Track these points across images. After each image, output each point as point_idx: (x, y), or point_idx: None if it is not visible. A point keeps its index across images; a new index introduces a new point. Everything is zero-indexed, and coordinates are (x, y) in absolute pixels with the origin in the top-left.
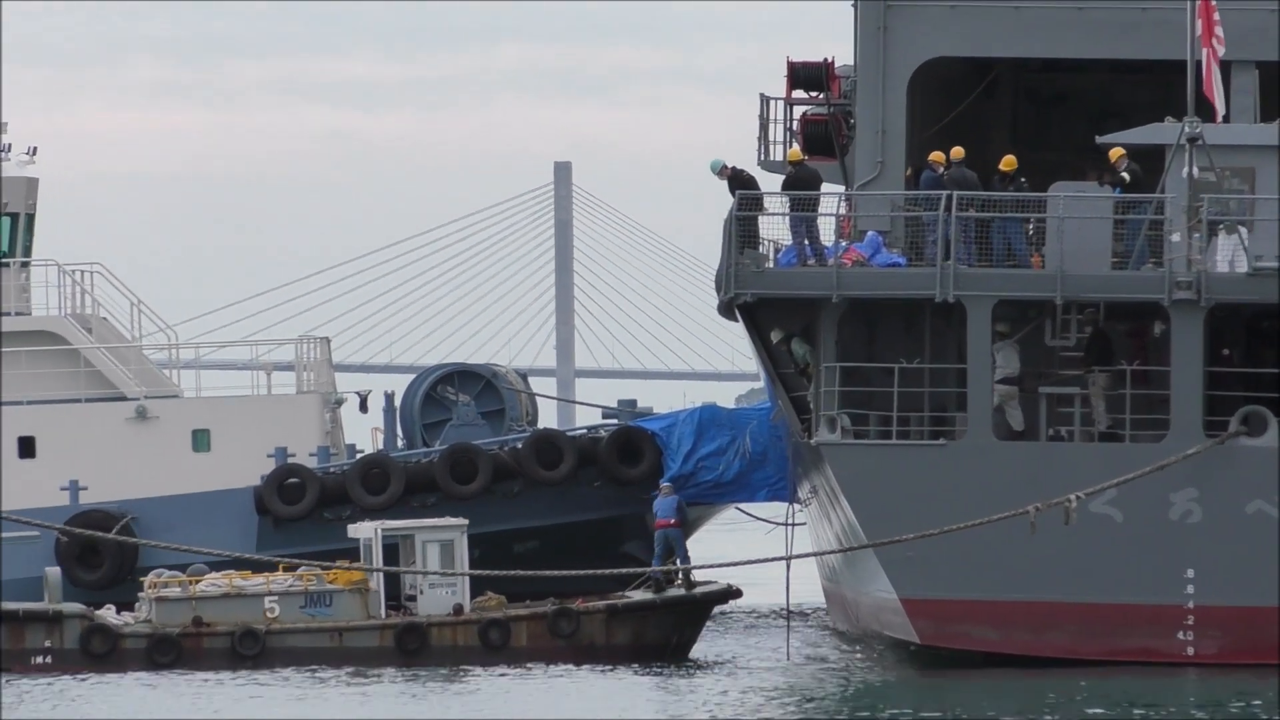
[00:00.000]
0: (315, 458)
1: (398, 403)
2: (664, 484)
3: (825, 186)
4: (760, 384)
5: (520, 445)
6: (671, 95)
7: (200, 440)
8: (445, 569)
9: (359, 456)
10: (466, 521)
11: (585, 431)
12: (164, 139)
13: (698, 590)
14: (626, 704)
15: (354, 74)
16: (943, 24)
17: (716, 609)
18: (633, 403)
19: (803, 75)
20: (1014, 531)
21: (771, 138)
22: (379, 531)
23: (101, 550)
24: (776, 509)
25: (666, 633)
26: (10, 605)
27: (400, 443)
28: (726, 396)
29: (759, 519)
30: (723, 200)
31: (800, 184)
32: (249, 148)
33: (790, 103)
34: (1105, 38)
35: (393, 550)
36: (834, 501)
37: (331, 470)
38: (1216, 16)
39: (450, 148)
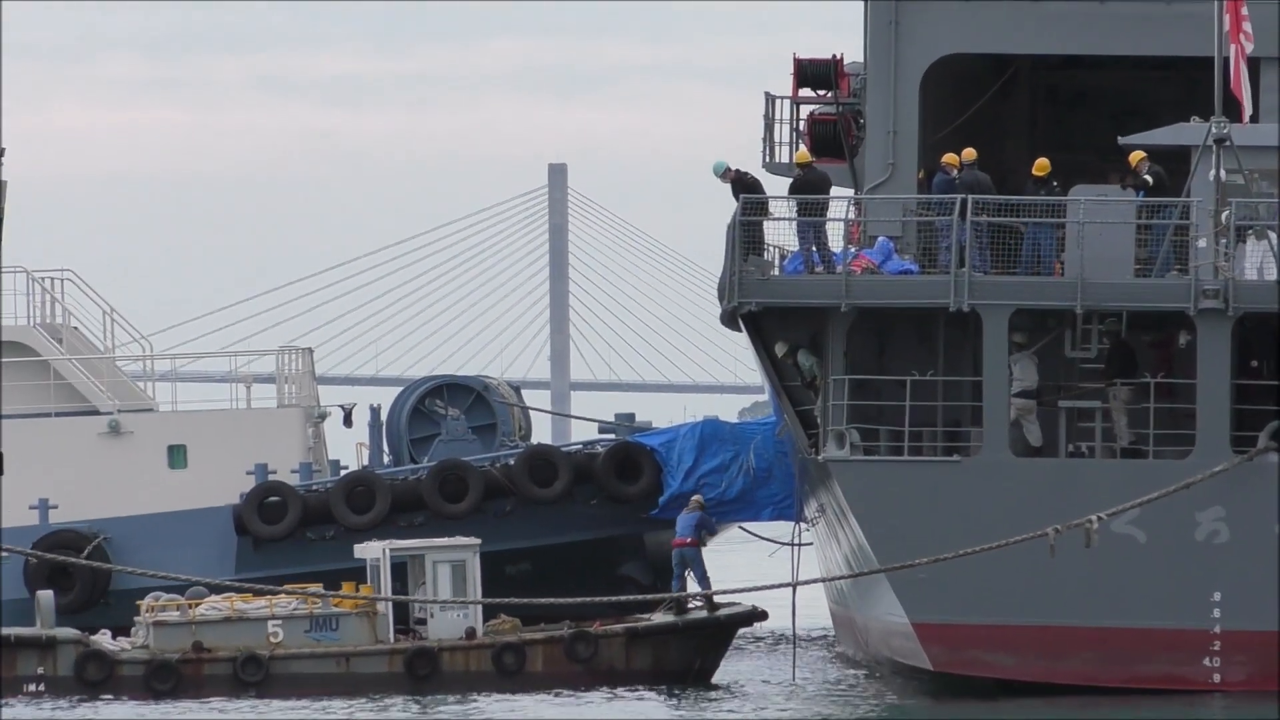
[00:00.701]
0: (297, 475)
1: (384, 417)
2: (694, 498)
3: (834, 190)
4: (764, 397)
5: (513, 462)
6: (672, 94)
7: (176, 456)
8: (457, 590)
9: (343, 474)
10: (479, 541)
11: (581, 447)
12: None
13: (721, 613)
14: None
15: (338, 70)
16: (957, 19)
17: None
18: (631, 416)
19: (810, 73)
20: (1031, 553)
21: (777, 138)
22: (387, 552)
23: (73, 573)
24: (781, 528)
25: (689, 657)
26: (1, 631)
27: (386, 459)
28: (729, 410)
29: (764, 539)
30: (726, 204)
31: (808, 188)
32: (228, 149)
33: (797, 102)
34: (1128, 33)
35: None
36: (842, 521)
37: (314, 488)
38: (1245, 11)
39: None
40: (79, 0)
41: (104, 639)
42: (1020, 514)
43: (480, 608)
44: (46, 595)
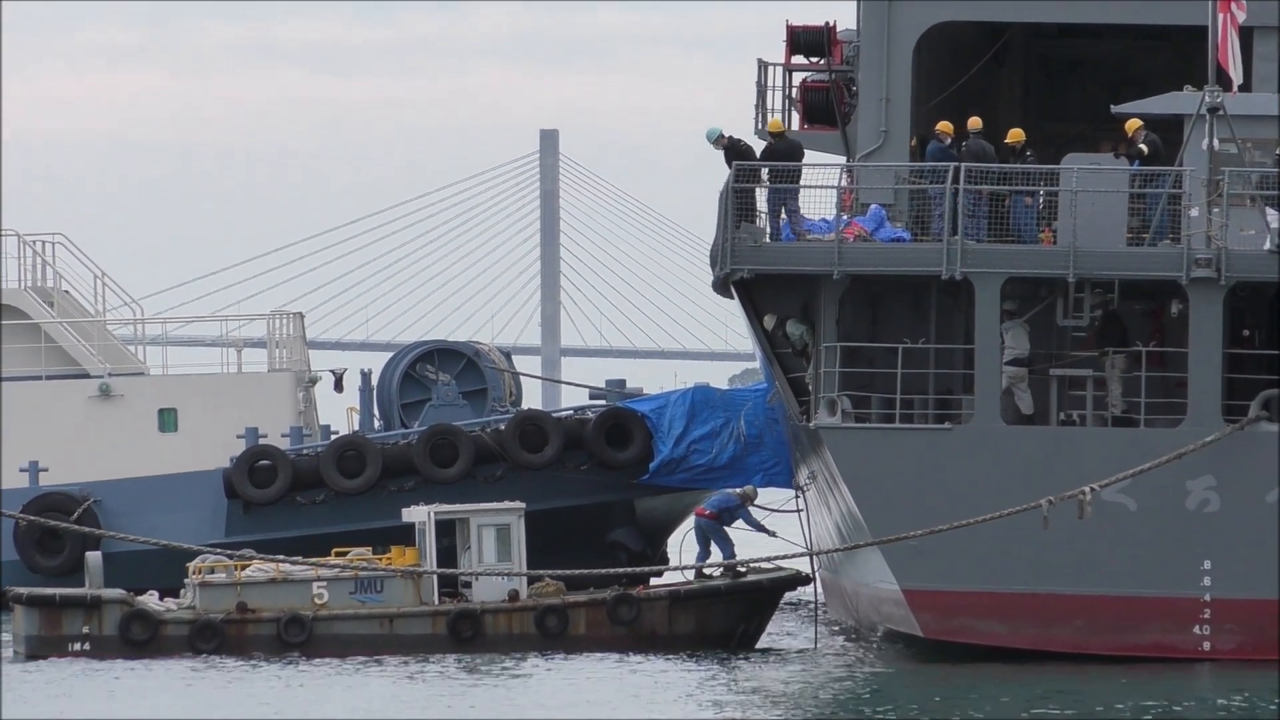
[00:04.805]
0: (288, 439)
1: (374, 382)
2: (745, 489)
3: (826, 158)
4: (755, 364)
5: (503, 427)
6: (664, 60)
7: (167, 420)
8: (501, 554)
9: (333, 438)
10: (524, 505)
11: (572, 413)
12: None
13: (766, 577)
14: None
15: (325, 35)
16: None
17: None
18: (621, 383)
19: (803, 40)
20: (1022, 521)
21: (770, 105)
22: (432, 515)
23: (63, 534)
24: (772, 495)
25: (732, 621)
26: (47, 591)
27: (377, 424)
28: (720, 377)
29: (760, 507)
30: (719, 171)
31: (779, 157)
32: (218, 114)
33: (789, 69)
34: (1121, 2)
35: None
36: (833, 488)
37: (305, 452)
38: None
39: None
40: None
41: (150, 599)
42: (1011, 482)
43: (524, 568)
44: (95, 556)
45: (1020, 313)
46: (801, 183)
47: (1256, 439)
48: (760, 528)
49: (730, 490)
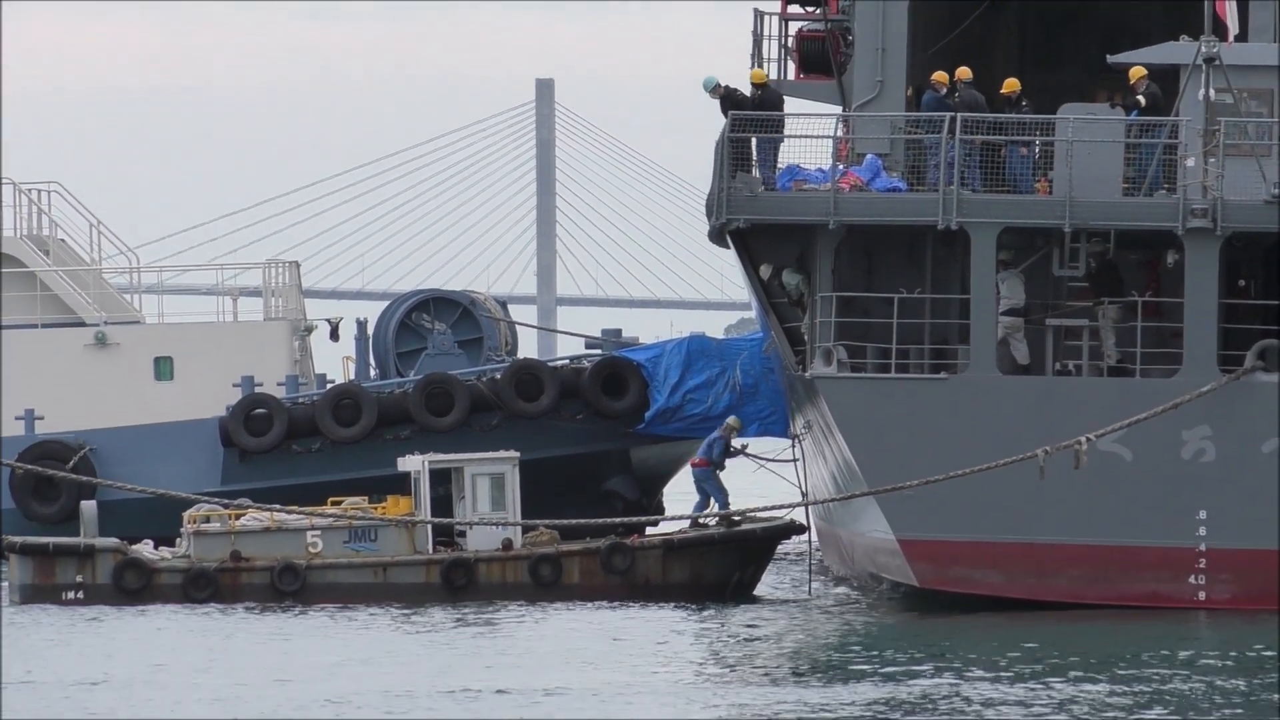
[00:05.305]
0: (284, 388)
1: (370, 331)
2: (729, 420)
3: (822, 107)
4: (751, 314)
5: (499, 376)
6: (661, 9)
7: (163, 368)
8: (496, 503)
9: (329, 387)
10: (518, 454)
11: (567, 362)
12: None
13: (760, 526)
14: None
15: None
16: None
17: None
18: (617, 332)
19: None
20: (1018, 471)
21: (765, 55)
22: (427, 464)
23: (58, 483)
24: (768, 444)
25: (727, 570)
26: (40, 540)
27: (373, 372)
28: (716, 326)
29: (754, 457)
30: (715, 121)
31: (762, 108)
32: (213, 62)
33: (785, 18)
34: None
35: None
36: (829, 437)
37: (301, 401)
38: None
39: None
40: None
41: (144, 548)
42: (1007, 432)
43: (519, 517)
44: (90, 505)
45: (1016, 263)
46: (793, 134)
47: (1252, 389)
48: (737, 452)
49: (717, 434)
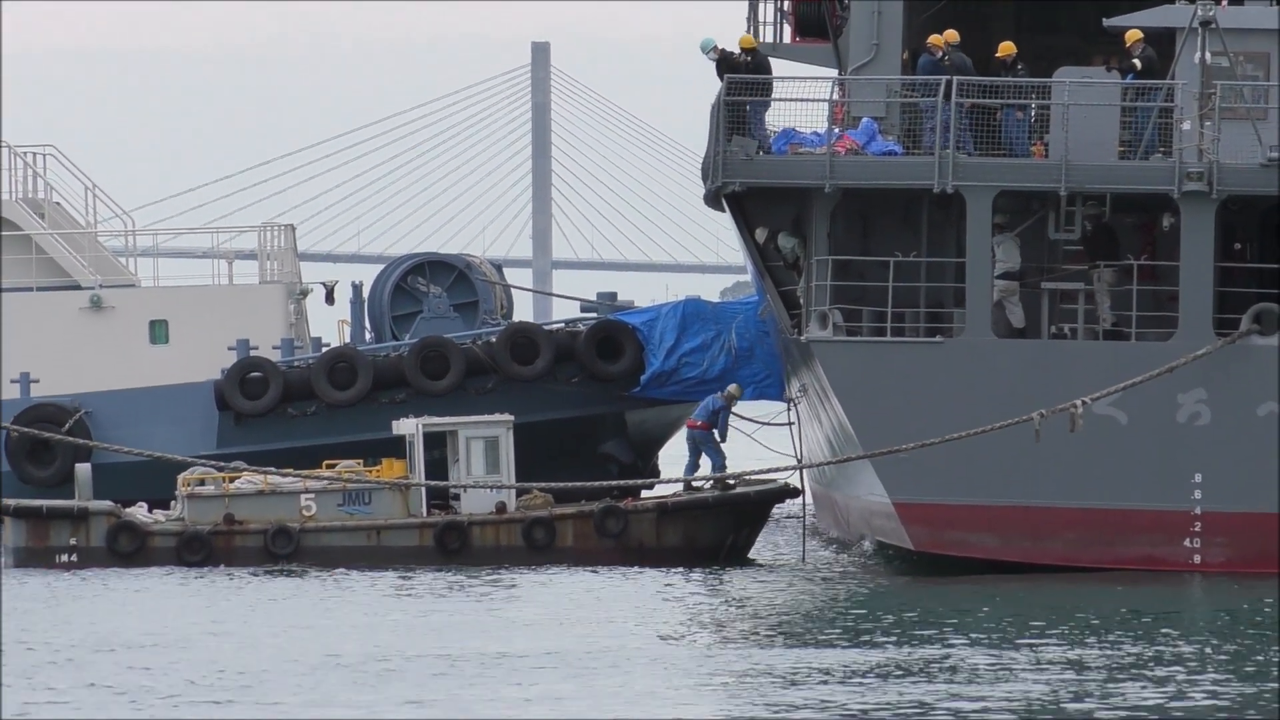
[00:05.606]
0: (279, 351)
1: (366, 294)
2: (730, 387)
3: (817, 71)
4: (747, 277)
5: (494, 339)
6: None
7: (158, 332)
8: (490, 467)
9: (325, 350)
10: (512, 418)
11: (563, 325)
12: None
13: (754, 489)
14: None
15: None
16: None
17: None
18: (613, 296)
19: None
20: (1013, 434)
21: (761, 18)
22: (421, 427)
23: (54, 446)
24: (763, 408)
25: (721, 533)
26: (34, 502)
27: (368, 336)
28: (711, 290)
29: (749, 419)
30: (711, 83)
31: (749, 72)
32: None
33: None
34: None
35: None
36: (824, 401)
37: (296, 364)
38: None
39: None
40: None
41: (138, 511)
42: (1002, 395)
43: (513, 480)
44: (84, 468)
45: (1011, 226)
46: (789, 97)
47: (1247, 352)
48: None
49: (714, 396)
